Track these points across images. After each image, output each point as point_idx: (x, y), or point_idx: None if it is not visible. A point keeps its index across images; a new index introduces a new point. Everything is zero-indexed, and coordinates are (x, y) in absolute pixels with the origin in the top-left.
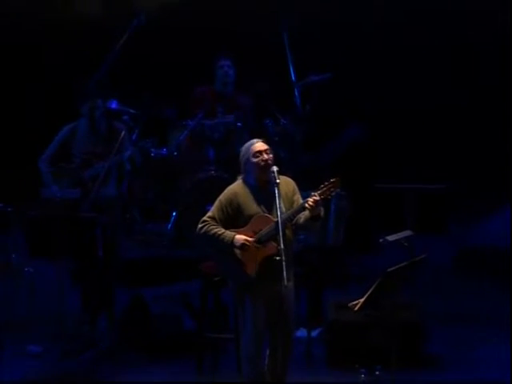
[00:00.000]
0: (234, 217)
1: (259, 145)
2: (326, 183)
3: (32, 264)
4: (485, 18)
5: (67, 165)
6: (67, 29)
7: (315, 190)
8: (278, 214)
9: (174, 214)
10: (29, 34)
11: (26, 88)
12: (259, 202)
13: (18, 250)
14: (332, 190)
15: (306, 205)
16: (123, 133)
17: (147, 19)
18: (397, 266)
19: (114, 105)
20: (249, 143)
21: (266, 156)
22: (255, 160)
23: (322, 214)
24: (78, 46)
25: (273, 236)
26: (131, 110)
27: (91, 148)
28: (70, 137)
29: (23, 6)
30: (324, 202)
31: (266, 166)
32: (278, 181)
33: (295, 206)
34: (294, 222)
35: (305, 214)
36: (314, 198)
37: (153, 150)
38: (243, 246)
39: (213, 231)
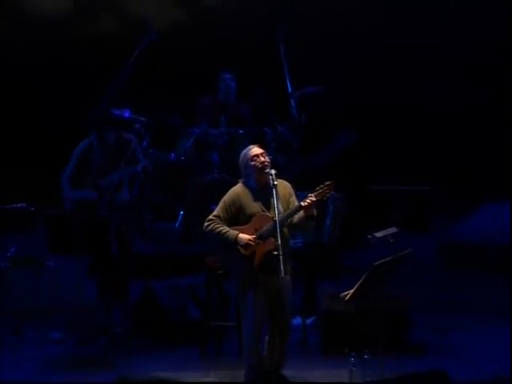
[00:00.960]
0: (237, 216)
1: (255, 149)
2: (322, 185)
3: (53, 258)
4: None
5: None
6: (88, 43)
7: (312, 191)
8: (276, 213)
9: (182, 213)
10: (54, 47)
11: (45, 97)
12: (259, 202)
13: (40, 245)
14: (327, 191)
15: (303, 204)
16: (133, 143)
17: (157, 36)
18: (383, 260)
19: (126, 114)
20: (246, 149)
21: (262, 158)
22: (253, 163)
23: (315, 214)
24: (96, 59)
25: (272, 233)
26: (142, 119)
27: (104, 159)
28: (87, 151)
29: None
30: (320, 203)
31: (263, 167)
32: (275, 183)
33: (291, 206)
34: (289, 221)
35: (299, 215)
36: (311, 198)
37: (162, 155)
38: (247, 243)
39: (218, 229)
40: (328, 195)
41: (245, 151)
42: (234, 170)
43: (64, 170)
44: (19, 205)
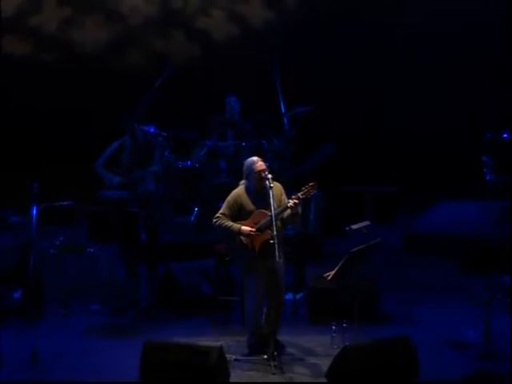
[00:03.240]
0: (239, 212)
1: (259, 164)
2: (307, 186)
3: (92, 246)
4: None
5: (117, 169)
6: (120, 73)
7: (298, 191)
8: (272, 210)
9: (196, 209)
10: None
11: (87, 113)
12: (257, 201)
13: (82, 236)
14: (311, 190)
15: (289, 205)
16: (157, 151)
17: (175, 67)
18: (358, 247)
19: (152, 129)
20: (251, 161)
21: (262, 167)
22: (255, 171)
23: (300, 212)
24: (127, 85)
25: (268, 226)
26: (164, 133)
27: (133, 158)
28: (119, 149)
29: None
30: (304, 201)
31: (263, 173)
32: (271, 185)
33: (282, 204)
34: (280, 216)
35: (287, 212)
36: (295, 200)
37: (180, 162)
38: (248, 235)
39: (224, 224)
40: (312, 194)
41: (250, 162)
42: (239, 174)
43: (98, 159)
44: (65, 203)
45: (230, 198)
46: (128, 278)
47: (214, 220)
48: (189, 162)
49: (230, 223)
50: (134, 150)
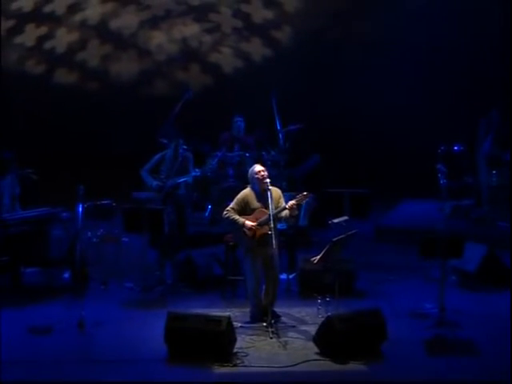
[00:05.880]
0: (244, 209)
1: (258, 167)
2: (301, 194)
3: (126, 236)
4: None
5: (158, 175)
6: (148, 98)
7: (295, 196)
8: (270, 208)
9: (209, 206)
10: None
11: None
12: (259, 201)
13: (118, 227)
14: (304, 198)
15: (287, 207)
16: (190, 160)
17: (193, 93)
18: (339, 237)
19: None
20: (253, 167)
21: (263, 173)
22: (257, 176)
23: (297, 214)
24: (153, 108)
25: (267, 222)
26: (184, 146)
27: (173, 167)
28: (161, 160)
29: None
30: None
31: (263, 178)
32: (270, 188)
33: (280, 205)
34: (278, 216)
35: (285, 212)
36: (293, 203)
37: (197, 170)
38: (250, 228)
39: (231, 217)
40: (304, 201)
41: (252, 168)
42: (243, 179)
43: (143, 166)
44: (105, 201)
45: (239, 195)
46: (156, 261)
47: (224, 213)
48: (197, 171)
49: (236, 216)
50: (174, 161)
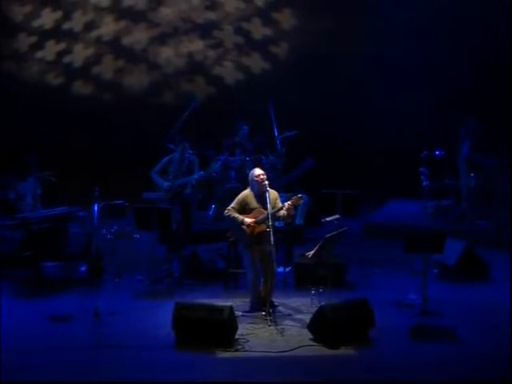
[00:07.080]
0: (244, 208)
1: (258, 171)
2: (295, 197)
3: (138, 233)
4: None
5: (166, 176)
6: (157, 107)
7: (290, 198)
8: (268, 208)
9: (213, 206)
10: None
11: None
12: (258, 202)
13: (130, 225)
14: (298, 201)
15: (285, 207)
16: (195, 162)
17: (199, 102)
18: (331, 234)
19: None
20: (253, 170)
21: (262, 177)
22: (256, 179)
23: (293, 213)
24: (161, 117)
25: (264, 221)
26: (190, 151)
27: (180, 169)
28: (169, 162)
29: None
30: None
31: (262, 181)
32: (268, 190)
33: (277, 205)
34: (275, 215)
35: (283, 212)
36: (289, 204)
37: (202, 172)
38: (248, 225)
39: (232, 215)
40: (299, 203)
41: (252, 171)
42: (244, 182)
43: (153, 168)
44: (118, 201)
45: (239, 196)
46: (165, 255)
47: (226, 211)
48: (202, 173)
49: (236, 215)
50: (181, 163)
